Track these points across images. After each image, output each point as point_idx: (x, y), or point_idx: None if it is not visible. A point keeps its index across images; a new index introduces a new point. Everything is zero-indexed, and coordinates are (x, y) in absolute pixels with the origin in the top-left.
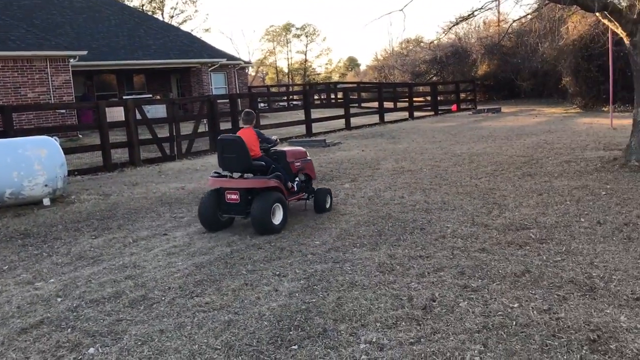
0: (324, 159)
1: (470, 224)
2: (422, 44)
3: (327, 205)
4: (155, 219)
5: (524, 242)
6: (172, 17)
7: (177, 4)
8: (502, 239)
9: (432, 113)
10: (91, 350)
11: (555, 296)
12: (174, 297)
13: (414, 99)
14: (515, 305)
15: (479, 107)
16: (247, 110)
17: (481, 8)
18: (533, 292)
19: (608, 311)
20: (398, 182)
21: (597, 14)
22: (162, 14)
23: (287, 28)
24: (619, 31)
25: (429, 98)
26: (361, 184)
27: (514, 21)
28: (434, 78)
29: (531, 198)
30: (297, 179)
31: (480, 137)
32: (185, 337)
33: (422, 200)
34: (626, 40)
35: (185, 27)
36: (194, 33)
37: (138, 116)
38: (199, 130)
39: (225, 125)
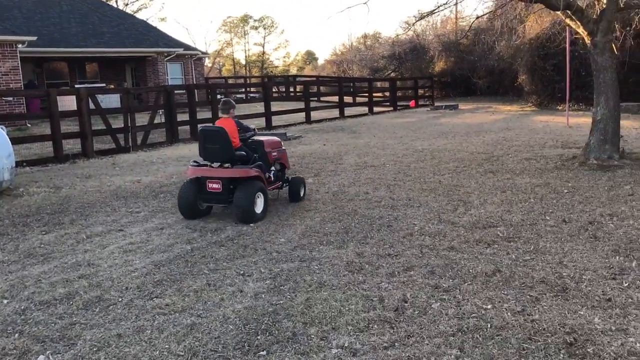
0: None
1: (437, 221)
2: (379, 39)
3: (302, 195)
4: (110, 214)
5: (492, 240)
6: (126, 4)
7: None
8: (470, 237)
9: (391, 108)
10: (41, 357)
11: (528, 297)
12: (131, 299)
13: (374, 94)
14: (489, 306)
15: (436, 104)
16: (225, 99)
17: (446, 3)
18: (505, 292)
19: (582, 312)
20: (362, 178)
21: (560, 12)
22: (116, 1)
23: (244, 19)
24: (580, 30)
25: (387, 94)
26: (324, 178)
27: (477, 17)
28: (392, 74)
29: (495, 195)
30: (272, 168)
31: (441, 133)
32: (145, 343)
33: (387, 197)
34: (587, 40)
35: (140, 16)
36: (149, 22)
37: (91, 105)
38: (155, 122)
39: (182, 117)
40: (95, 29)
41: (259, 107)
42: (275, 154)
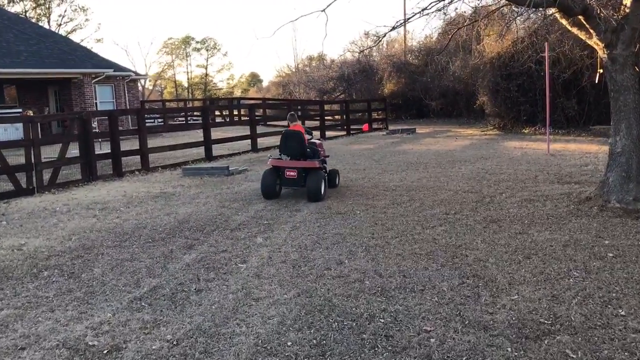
0: (226, 193)
1: (460, 325)
2: (325, 61)
3: (337, 183)
4: None
5: None
6: (59, 25)
7: (65, 11)
8: None
9: (344, 133)
10: None
11: None
12: None
13: (325, 117)
14: None
15: (391, 127)
16: (291, 113)
17: (408, 19)
18: None
19: None
20: (328, 233)
21: (565, 21)
22: (48, 22)
23: (186, 41)
24: (593, 42)
25: (338, 117)
26: (278, 235)
27: (458, 29)
28: (341, 95)
29: (520, 265)
30: (325, 163)
31: (409, 164)
32: None
33: (370, 270)
34: (602, 53)
35: (74, 37)
36: (84, 43)
37: None
38: (69, 155)
39: (104, 147)
40: (11, 48)
41: (201, 134)
42: (322, 152)
